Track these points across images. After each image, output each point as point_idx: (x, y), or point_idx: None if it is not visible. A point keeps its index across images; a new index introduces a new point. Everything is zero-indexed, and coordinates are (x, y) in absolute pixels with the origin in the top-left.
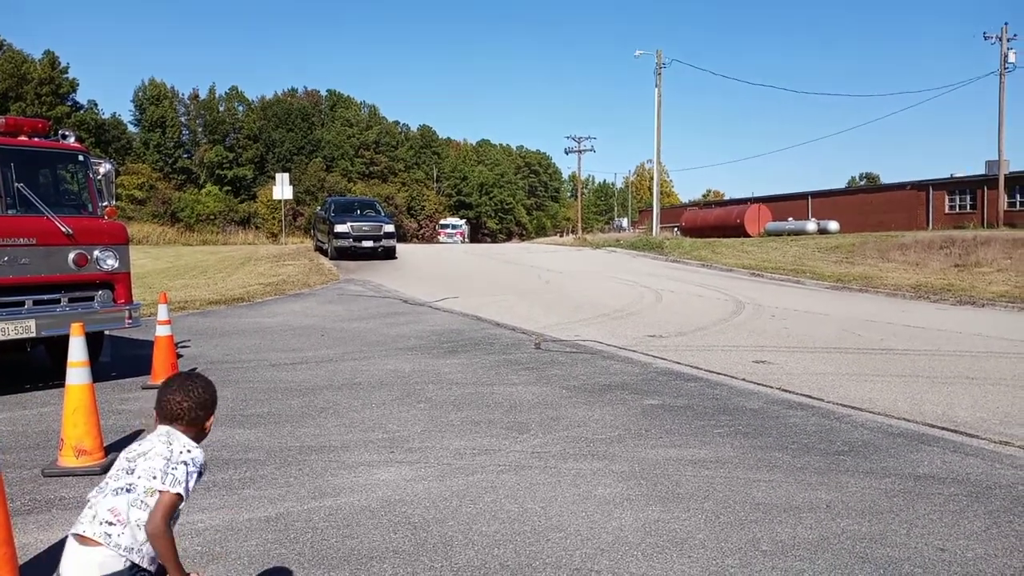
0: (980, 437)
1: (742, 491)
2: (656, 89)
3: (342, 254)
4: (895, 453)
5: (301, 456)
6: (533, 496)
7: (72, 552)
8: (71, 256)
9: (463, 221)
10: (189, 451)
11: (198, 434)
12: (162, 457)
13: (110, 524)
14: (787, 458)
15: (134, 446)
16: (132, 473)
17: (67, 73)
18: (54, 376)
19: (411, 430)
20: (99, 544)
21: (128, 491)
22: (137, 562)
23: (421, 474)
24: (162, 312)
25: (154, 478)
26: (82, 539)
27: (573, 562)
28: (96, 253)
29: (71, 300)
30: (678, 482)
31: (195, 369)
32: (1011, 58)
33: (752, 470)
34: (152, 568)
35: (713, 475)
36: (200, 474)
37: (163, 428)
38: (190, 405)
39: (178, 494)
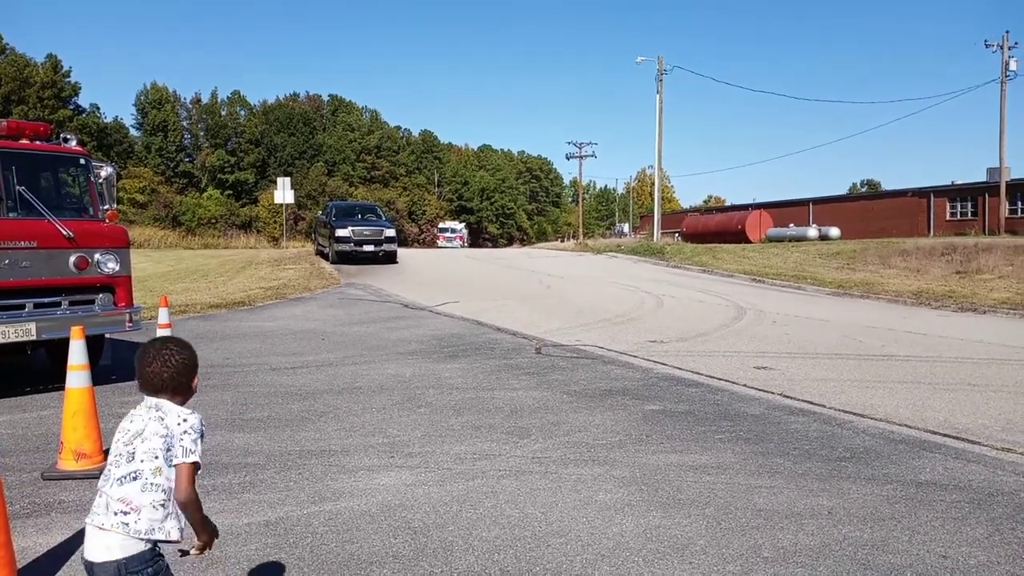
0: (982, 444)
1: (743, 497)
2: (657, 95)
3: (343, 258)
4: (897, 460)
5: (301, 460)
6: (534, 501)
7: (93, 537)
8: (72, 259)
9: (462, 225)
10: (185, 420)
11: (186, 397)
12: (159, 436)
13: (125, 514)
14: (788, 464)
15: (126, 425)
16: (134, 458)
17: (69, 77)
18: (54, 379)
19: (411, 435)
20: (118, 532)
21: (135, 478)
22: (158, 538)
23: (421, 479)
24: (163, 315)
25: (156, 458)
26: (100, 528)
27: (574, 568)
28: (97, 256)
29: (72, 303)
30: (679, 488)
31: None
32: (1012, 66)
33: (753, 476)
34: (178, 537)
35: (714, 481)
36: (202, 435)
37: (151, 401)
38: (171, 374)
39: (195, 463)
